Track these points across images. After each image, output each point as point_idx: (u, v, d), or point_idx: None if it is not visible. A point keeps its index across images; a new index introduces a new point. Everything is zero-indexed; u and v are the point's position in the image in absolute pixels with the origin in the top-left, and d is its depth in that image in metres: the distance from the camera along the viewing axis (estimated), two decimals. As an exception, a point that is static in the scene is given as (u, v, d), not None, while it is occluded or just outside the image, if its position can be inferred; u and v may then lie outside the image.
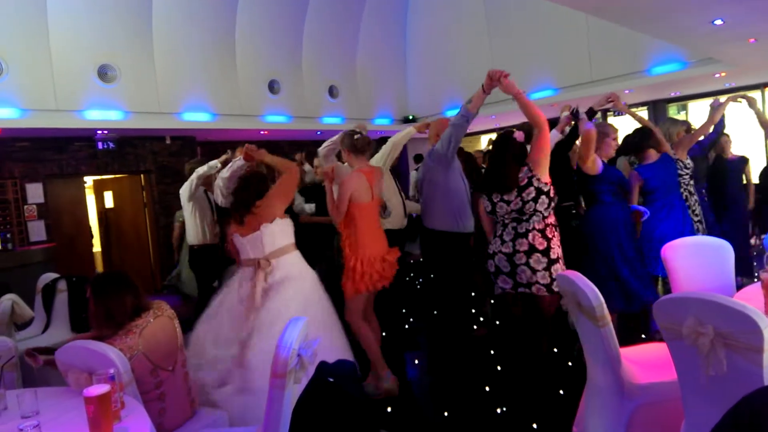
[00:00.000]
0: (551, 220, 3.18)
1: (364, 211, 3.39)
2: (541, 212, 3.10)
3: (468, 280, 4.18)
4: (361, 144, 3.52)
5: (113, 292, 2.26)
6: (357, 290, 3.37)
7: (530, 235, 3.09)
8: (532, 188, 3.07)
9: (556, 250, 3.15)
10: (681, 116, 9.67)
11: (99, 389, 1.74)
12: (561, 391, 3.27)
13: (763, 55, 6.29)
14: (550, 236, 3.13)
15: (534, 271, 3.09)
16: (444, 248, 3.90)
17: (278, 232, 3.18)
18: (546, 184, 3.09)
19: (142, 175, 8.60)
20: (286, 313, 2.86)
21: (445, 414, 3.20)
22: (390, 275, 3.48)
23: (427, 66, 10.88)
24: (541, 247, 3.09)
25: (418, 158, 8.66)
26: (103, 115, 7.26)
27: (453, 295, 4.02)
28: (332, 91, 10.09)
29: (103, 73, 7.29)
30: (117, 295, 2.26)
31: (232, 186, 3.40)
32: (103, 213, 9.18)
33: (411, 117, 10.58)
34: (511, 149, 3.18)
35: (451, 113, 10.53)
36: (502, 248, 3.17)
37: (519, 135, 3.22)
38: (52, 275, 4.33)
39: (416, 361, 4.18)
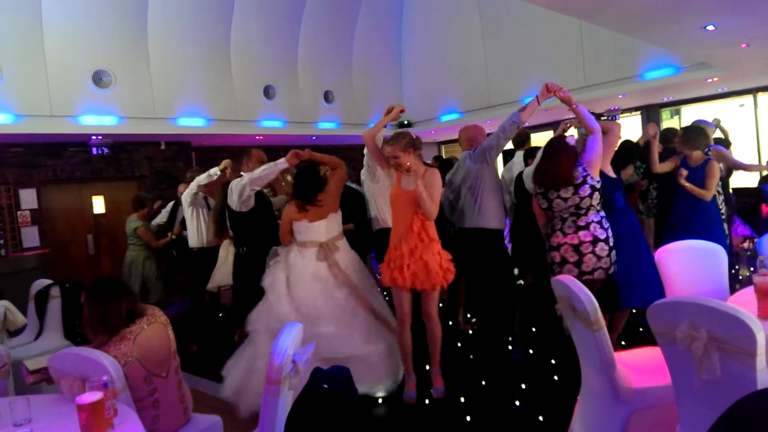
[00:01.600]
0: (603, 212, 3.52)
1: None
2: (595, 206, 3.46)
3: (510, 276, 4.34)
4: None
5: (108, 298, 2.25)
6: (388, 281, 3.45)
7: (591, 227, 3.44)
8: (587, 186, 3.41)
9: (612, 238, 3.50)
10: (674, 120, 9.73)
11: (92, 396, 1.73)
12: (558, 395, 3.26)
13: (755, 60, 6.35)
14: (606, 226, 3.48)
15: (599, 257, 3.42)
16: (497, 245, 3.96)
17: (336, 221, 3.77)
18: (598, 181, 3.45)
19: (137, 181, 8.57)
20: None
21: (440, 411, 3.20)
22: (404, 275, 3.31)
23: (422, 71, 10.90)
24: (602, 237, 3.43)
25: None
26: (97, 120, 7.23)
27: (501, 293, 4.05)
28: (327, 96, 10.09)
29: (98, 78, 7.27)
30: (112, 300, 2.24)
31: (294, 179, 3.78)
32: (91, 219, 8.97)
33: (406, 122, 10.58)
34: (565, 151, 3.50)
35: (446, 118, 10.59)
36: (566, 240, 3.47)
37: (571, 139, 3.55)
38: (45, 281, 4.29)
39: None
